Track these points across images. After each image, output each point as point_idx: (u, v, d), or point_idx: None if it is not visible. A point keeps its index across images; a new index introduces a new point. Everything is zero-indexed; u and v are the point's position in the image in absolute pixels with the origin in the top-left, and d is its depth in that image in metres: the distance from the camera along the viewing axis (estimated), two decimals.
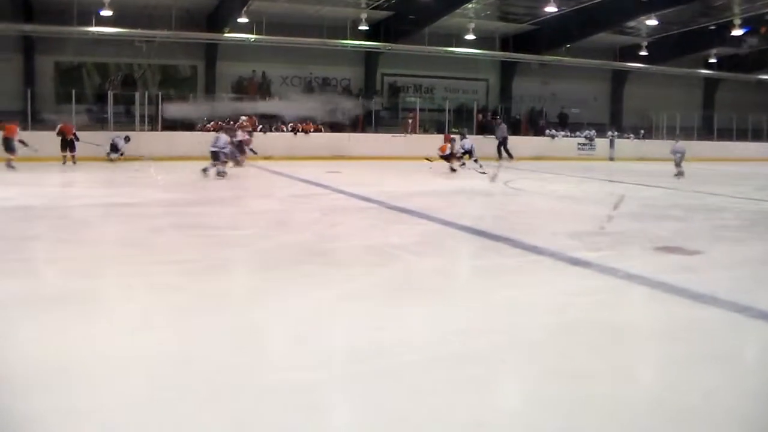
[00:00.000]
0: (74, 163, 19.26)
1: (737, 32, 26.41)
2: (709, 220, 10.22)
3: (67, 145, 19.50)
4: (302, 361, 3.84)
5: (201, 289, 5.42)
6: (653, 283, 5.71)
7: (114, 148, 21.02)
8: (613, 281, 5.88)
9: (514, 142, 26.21)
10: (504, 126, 26.31)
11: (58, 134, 19.53)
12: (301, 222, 9.57)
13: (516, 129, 29.50)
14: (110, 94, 24.39)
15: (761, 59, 32.36)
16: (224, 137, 15.80)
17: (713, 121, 33.47)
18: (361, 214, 10.43)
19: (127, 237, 7.93)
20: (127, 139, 21.36)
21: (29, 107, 22.19)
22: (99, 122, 23.70)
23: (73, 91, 23.38)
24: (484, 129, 27.56)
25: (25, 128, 21.42)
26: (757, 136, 33.38)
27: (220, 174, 15.07)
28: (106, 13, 23.39)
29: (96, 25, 23.90)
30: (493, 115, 29.58)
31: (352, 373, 3.69)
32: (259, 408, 3.21)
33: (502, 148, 25.22)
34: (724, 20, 26.78)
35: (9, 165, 17.01)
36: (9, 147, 17.73)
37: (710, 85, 35.99)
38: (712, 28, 27.83)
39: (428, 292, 5.51)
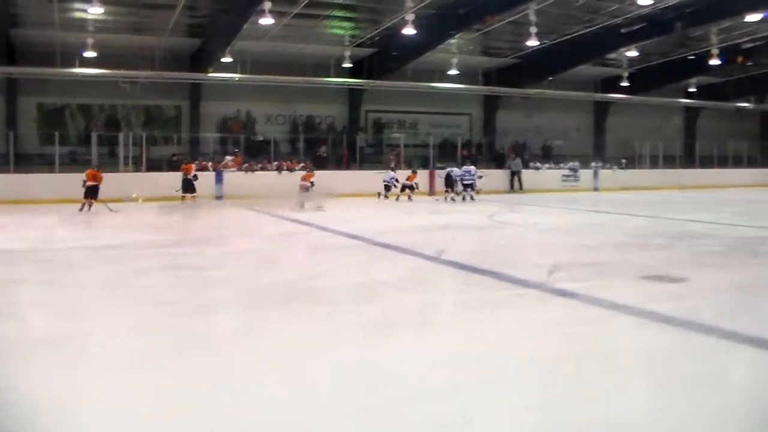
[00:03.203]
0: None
1: (715, 62, 26.77)
2: (693, 247, 10.25)
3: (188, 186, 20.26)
4: (289, 400, 3.78)
5: (185, 330, 5.37)
6: (640, 312, 5.69)
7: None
8: (600, 311, 5.87)
9: (497, 176, 26.78)
10: (518, 159, 28.34)
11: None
12: (287, 261, 9.54)
13: (500, 163, 29.69)
14: (94, 135, 24.31)
15: (739, 87, 32.83)
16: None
17: (695, 149, 33.80)
18: (347, 252, 10.40)
19: (112, 279, 7.87)
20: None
21: (11, 149, 22.12)
22: (82, 164, 23.62)
23: (57, 133, 23.33)
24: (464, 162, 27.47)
25: (7, 171, 21.40)
26: (738, 162, 33.82)
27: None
28: (90, 54, 23.53)
29: (79, 67, 23.96)
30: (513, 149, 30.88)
31: (341, 410, 3.65)
32: None
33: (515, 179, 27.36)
34: (702, 50, 27.16)
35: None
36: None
37: (691, 113, 36.44)
38: (691, 57, 28.22)
39: (415, 327, 5.48)
